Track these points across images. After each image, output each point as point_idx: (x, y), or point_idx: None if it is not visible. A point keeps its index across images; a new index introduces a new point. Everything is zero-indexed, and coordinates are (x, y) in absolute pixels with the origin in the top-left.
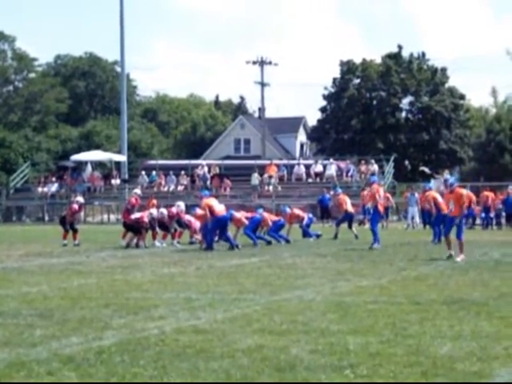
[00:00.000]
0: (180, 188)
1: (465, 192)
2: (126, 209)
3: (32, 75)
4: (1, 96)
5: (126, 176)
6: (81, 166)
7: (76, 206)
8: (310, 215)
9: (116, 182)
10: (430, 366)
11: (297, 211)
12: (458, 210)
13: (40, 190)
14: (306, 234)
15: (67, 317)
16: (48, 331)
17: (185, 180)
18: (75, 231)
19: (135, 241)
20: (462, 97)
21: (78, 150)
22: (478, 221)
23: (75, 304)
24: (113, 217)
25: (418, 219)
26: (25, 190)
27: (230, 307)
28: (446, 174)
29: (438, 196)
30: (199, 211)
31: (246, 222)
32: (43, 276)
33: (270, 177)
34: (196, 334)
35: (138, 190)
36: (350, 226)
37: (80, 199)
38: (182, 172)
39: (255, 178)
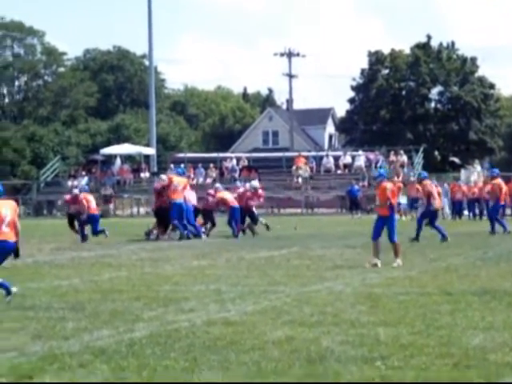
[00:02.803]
0: (209, 181)
1: (389, 186)
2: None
3: (61, 69)
4: (31, 90)
5: (155, 169)
6: (110, 159)
7: (67, 197)
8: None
9: (145, 175)
10: (461, 357)
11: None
12: (384, 209)
13: (70, 183)
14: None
15: (99, 310)
16: (80, 324)
17: (213, 172)
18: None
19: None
20: (492, 86)
21: (108, 144)
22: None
23: (106, 297)
24: (142, 210)
25: (447, 210)
26: (55, 184)
27: (260, 299)
28: (476, 165)
29: (503, 185)
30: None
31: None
32: (74, 269)
33: (299, 168)
34: (226, 326)
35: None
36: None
37: (76, 191)
38: (211, 165)
39: (305, 171)
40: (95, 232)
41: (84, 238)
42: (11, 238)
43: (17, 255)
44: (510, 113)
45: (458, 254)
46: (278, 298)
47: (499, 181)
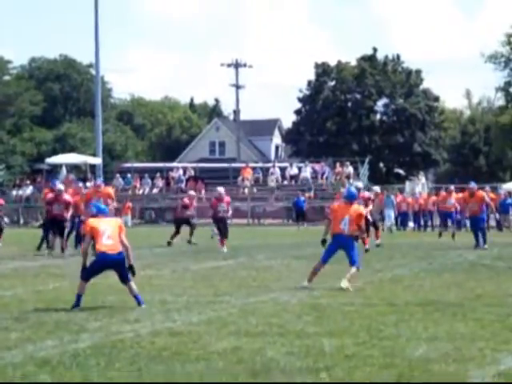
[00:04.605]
0: (155, 191)
1: (362, 209)
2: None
3: (6, 78)
4: None
5: (101, 179)
6: (56, 168)
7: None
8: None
9: (91, 184)
10: (405, 367)
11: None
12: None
13: (15, 193)
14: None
15: (42, 320)
16: (23, 334)
17: (160, 182)
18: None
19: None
20: (437, 99)
21: (53, 153)
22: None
23: (50, 307)
24: None
25: (393, 221)
26: None
27: (206, 310)
28: (421, 176)
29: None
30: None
31: None
32: (18, 279)
33: (244, 179)
34: (171, 337)
35: (192, 192)
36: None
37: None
38: (157, 174)
39: (272, 181)
40: None
41: None
42: (114, 250)
43: (132, 273)
44: (454, 125)
45: (403, 264)
46: (223, 308)
47: (482, 193)
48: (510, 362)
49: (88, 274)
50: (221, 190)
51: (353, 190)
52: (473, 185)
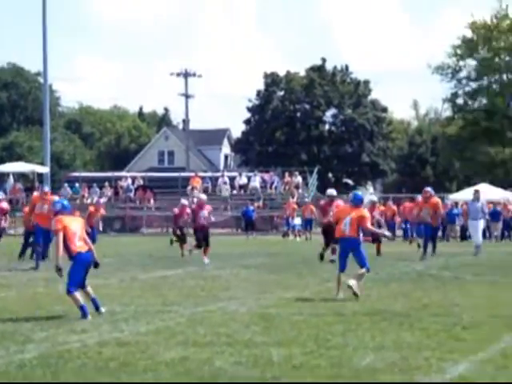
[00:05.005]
0: (103, 200)
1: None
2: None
3: None
4: None
5: (49, 188)
6: (3, 177)
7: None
8: None
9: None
10: (352, 377)
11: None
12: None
13: None
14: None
15: None
16: None
17: (108, 192)
18: None
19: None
20: (385, 109)
21: (0, 162)
22: (398, 232)
23: None
24: None
25: None
26: None
27: (154, 319)
28: (369, 186)
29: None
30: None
31: None
32: None
33: (193, 188)
34: (119, 347)
35: (184, 201)
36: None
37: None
38: (106, 184)
39: (225, 190)
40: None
41: None
42: (84, 249)
43: (96, 266)
44: (401, 136)
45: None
46: (171, 318)
47: (436, 199)
48: (456, 371)
49: (76, 281)
50: (202, 196)
51: (360, 194)
52: (429, 190)
